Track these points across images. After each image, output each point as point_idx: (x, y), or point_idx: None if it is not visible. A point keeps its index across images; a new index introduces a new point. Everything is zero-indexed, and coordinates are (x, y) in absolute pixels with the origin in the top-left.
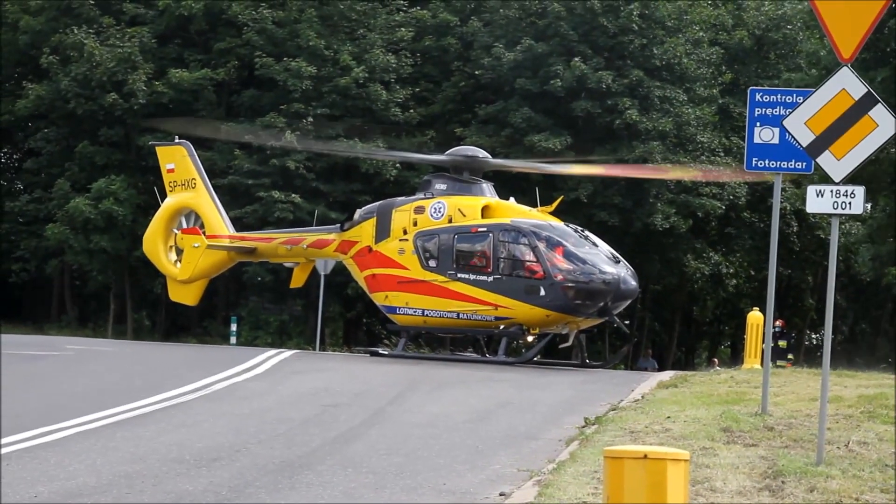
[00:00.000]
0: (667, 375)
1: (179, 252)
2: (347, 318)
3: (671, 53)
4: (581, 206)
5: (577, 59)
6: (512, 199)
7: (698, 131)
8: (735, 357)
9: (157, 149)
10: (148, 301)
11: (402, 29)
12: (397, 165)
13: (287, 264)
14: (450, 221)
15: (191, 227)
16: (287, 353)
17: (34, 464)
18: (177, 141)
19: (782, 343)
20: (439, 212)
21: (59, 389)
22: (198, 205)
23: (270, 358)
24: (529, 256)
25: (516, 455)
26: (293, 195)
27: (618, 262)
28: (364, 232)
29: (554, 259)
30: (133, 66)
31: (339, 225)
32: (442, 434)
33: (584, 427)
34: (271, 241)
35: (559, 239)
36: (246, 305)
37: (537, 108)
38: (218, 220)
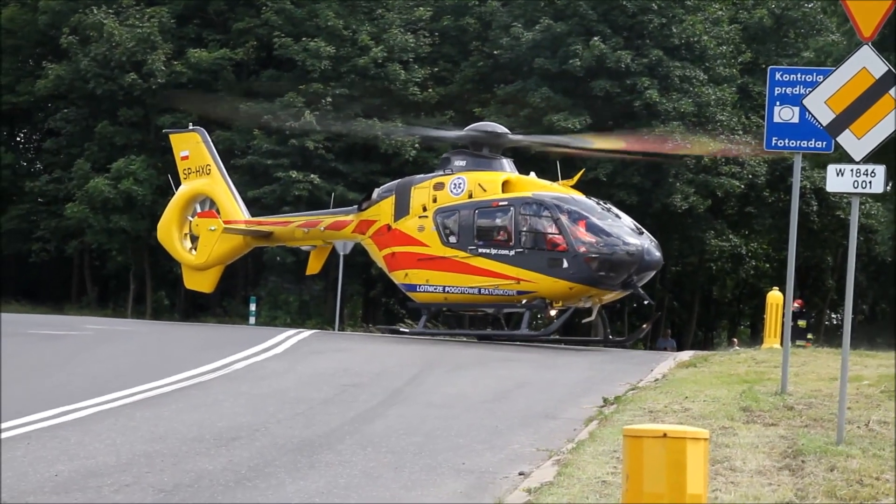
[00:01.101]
0: (686, 355)
1: (194, 239)
2: (368, 298)
3: (690, 32)
4: (600, 186)
5: (596, 38)
6: (532, 173)
7: (718, 111)
8: (754, 337)
9: (171, 136)
10: (167, 281)
11: (421, 8)
12: (416, 146)
13: (304, 247)
14: (470, 197)
15: (207, 211)
16: (306, 333)
17: (54, 443)
18: (191, 128)
19: (801, 323)
20: (459, 187)
21: (79, 369)
22: (213, 191)
23: (289, 338)
24: (552, 229)
25: (535, 435)
26: (312, 175)
27: (641, 233)
28: (382, 211)
29: (577, 231)
30: (152, 45)
31: (356, 206)
32: (460, 414)
33: (602, 407)
34: (288, 225)
35: (582, 211)
36: (265, 285)
37: (556, 87)
38: (233, 205)
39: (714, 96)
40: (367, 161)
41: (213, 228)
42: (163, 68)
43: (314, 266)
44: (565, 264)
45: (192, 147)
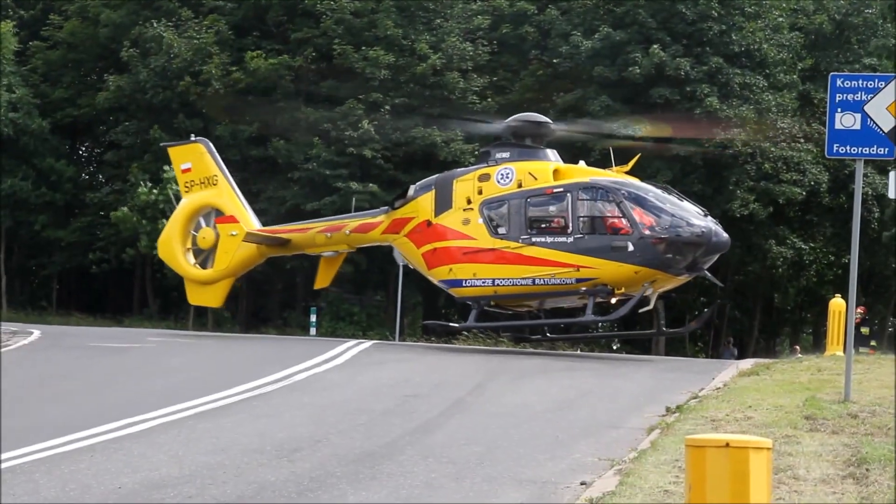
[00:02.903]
0: (748, 363)
1: (198, 254)
2: (428, 308)
3: (750, 39)
4: None
5: (655, 46)
6: (581, 162)
7: (778, 117)
8: (817, 344)
9: (170, 150)
10: (229, 292)
11: (479, 17)
12: (476, 153)
13: (326, 254)
14: (519, 186)
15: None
16: (366, 344)
17: (119, 455)
18: (193, 139)
19: (864, 330)
20: (507, 177)
21: (142, 381)
22: (221, 202)
23: (350, 349)
24: (614, 212)
25: (597, 444)
26: (371, 185)
27: (706, 216)
28: (421, 207)
29: (641, 213)
30: (210, 54)
31: (387, 206)
32: (522, 423)
33: (664, 416)
34: (307, 231)
35: (644, 194)
36: (326, 296)
37: (616, 96)
38: (244, 215)
39: (774, 103)
40: (426, 170)
41: (234, 233)
42: (219, 74)
43: (324, 278)
44: (630, 248)
45: (194, 159)
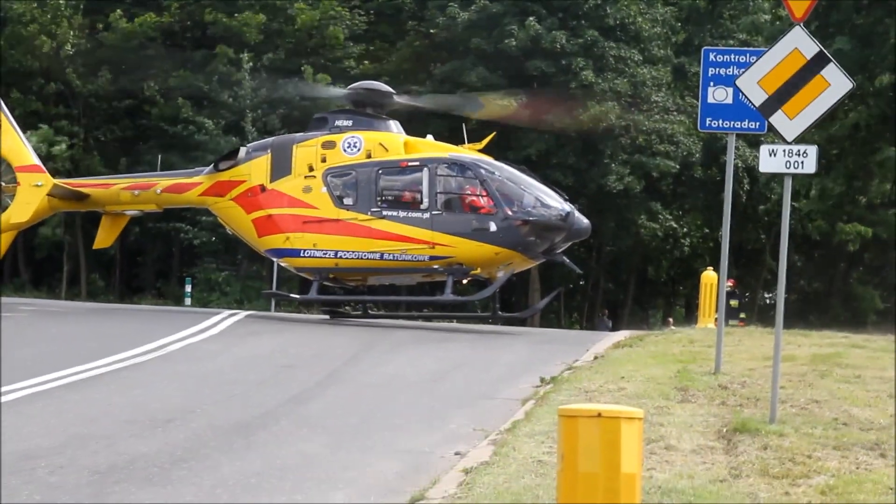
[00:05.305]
0: (622, 335)
1: None
2: (304, 280)
3: (625, 13)
4: (533, 165)
5: (531, 18)
6: (429, 136)
7: (653, 91)
8: (689, 317)
9: None
10: (102, 262)
11: None
12: None
13: (129, 212)
14: (369, 156)
15: (31, 165)
16: (242, 315)
17: None
18: None
19: (734, 303)
20: (355, 147)
21: (12, 351)
22: (6, 149)
23: (225, 319)
24: (477, 190)
25: (472, 415)
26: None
27: (566, 200)
28: (255, 170)
29: (505, 193)
30: (66, 18)
31: (211, 166)
32: (398, 394)
33: (539, 387)
34: (110, 187)
35: (506, 174)
36: (201, 267)
37: (492, 67)
38: (32, 164)
39: (649, 76)
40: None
41: (39, 184)
42: (76, 32)
43: (105, 238)
44: (493, 228)
45: None
